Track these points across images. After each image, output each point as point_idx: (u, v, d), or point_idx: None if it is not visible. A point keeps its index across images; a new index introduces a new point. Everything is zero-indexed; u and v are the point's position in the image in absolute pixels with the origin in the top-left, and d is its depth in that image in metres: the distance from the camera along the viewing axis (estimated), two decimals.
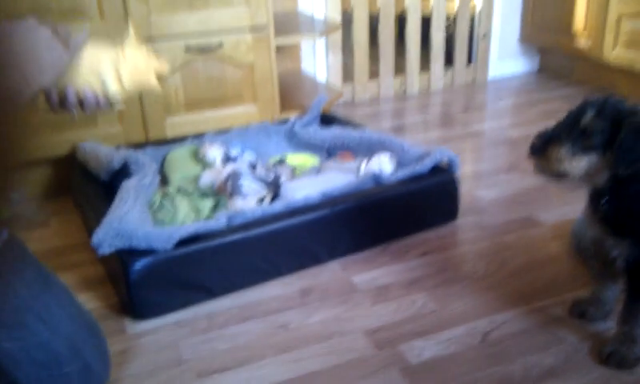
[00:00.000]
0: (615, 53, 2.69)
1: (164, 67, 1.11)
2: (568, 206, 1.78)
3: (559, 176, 1.05)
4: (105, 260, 1.51)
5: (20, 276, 1.05)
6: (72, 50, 1.00)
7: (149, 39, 2.03)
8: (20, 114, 0.89)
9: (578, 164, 1.03)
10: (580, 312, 1.29)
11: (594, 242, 1.16)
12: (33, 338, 1.03)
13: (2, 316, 1.02)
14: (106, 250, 1.34)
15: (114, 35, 1.97)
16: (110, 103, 1.07)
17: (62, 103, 1.03)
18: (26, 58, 0.93)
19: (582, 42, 2.86)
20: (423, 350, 1.23)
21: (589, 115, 1.03)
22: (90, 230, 1.48)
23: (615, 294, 1.24)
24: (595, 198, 1.10)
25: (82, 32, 1.03)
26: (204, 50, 2.11)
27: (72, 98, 1.02)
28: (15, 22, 0.96)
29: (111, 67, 1.04)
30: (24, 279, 1.05)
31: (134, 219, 1.41)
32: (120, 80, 1.05)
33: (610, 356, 1.14)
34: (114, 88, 1.05)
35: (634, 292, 1.11)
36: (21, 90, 0.91)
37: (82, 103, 1.04)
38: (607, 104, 1.04)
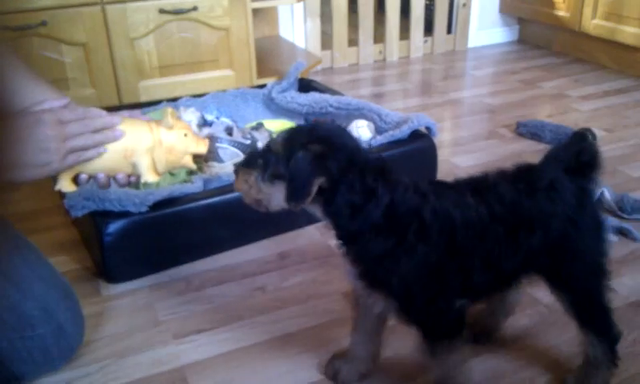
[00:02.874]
0: (594, 23, 2.70)
1: (203, 148, 1.08)
2: None
3: (258, 203, 0.89)
4: (78, 223, 1.48)
5: None
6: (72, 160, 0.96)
7: (121, 1, 1.98)
8: None
9: (267, 193, 0.87)
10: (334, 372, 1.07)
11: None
12: (3, 301, 1.01)
13: None
14: (78, 212, 1.32)
15: None
16: (140, 183, 1.06)
17: (89, 180, 1.01)
18: (11, 150, 0.89)
19: (561, 12, 2.86)
20: None
21: (279, 139, 0.87)
22: (62, 193, 1.45)
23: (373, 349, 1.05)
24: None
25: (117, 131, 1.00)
26: (178, 12, 2.06)
27: (101, 183, 1.01)
28: (29, 111, 0.94)
29: (145, 154, 1.01)
30: None
31: None
32: (154, 167, 1.02)
33: None
34: (147, 176, 1.02)
35: (427, 336, 0.92)
36: None
37: (112, 180, 1.03)
38: (300, 129, 0.90)
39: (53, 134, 0.91)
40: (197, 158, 1.54)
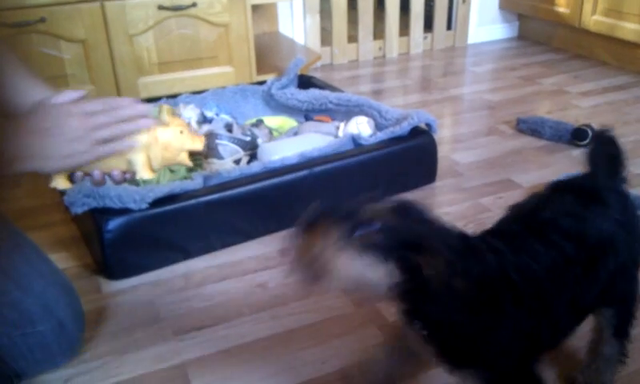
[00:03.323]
0: (594, 19, 2.69)
1: (199, 145, 1.07)
2: (546, 169, 1.79)
3: (315, 275, 0.66)
4: (78, 220, 1.48)
5: None
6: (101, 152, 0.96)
7: None
8: None
9: (348, 266, 0.66)
10: None
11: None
12: (3, 298, 1.01)
13: None
14: (78, 209, 1.31)
15: None
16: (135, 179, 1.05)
17: (84, 177, 1.01)
18: (42, 141, 0.90)
19: (561, 8, 2.85)
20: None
21: (380, 204, 0.69)
22: (61, 190, 1.44)
23: None
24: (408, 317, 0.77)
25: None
26: (177, 9, 2.05)
27: (96, 180, 1.00)
28: (60, 99, 0.94)
29: (141, 151, 1.00)
30: None
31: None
32: (149, 164, 1.02)
33: None
34: (142, 173, 1.02)
35: None
36: (10, 164, 0.88)
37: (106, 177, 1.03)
38: (408, 205, 0.71)
39: (80, 125, 0.91)
40: (194, 154, 1.55)
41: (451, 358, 0.77)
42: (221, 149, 1.61)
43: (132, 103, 0.98)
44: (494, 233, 0.83)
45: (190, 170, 1.61)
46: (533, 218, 0.84)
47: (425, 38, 3.11)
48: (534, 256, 0.77)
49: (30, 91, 0.99)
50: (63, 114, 0.91)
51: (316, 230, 0.64)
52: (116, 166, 1.01)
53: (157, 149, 1.02)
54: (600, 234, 0.84)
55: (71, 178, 1.02)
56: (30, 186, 1.76)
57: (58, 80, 1.96)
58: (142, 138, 1.01)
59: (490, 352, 0.76)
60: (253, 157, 1.66)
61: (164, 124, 1.03)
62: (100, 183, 1.03)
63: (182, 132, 1.05)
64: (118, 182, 1.05)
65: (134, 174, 1.03)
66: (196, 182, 1.43)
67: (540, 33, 3.17)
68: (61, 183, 1.00)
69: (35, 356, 1.04)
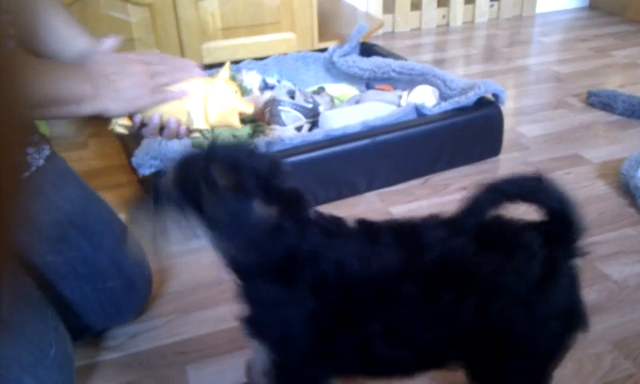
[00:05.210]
0: None
1: (250, 109, 1.09)
2: (616, 145, 1.72)
3: None
4: (144, 182, 1.51)
5: (62, 192, 1.06)
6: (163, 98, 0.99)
7: None
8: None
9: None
10: None
11: None
12: (76, 253, 1.04)
13: (45, 230, 1.03)
14: (145, 170, 1.34)
15: None
16: (189, 133, 1.06)
17: (142, 126, 1.03)
18: (109, 81, 0.94)
19: None
20: None
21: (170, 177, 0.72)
22: (128, 152, 1.48)
23: None
24: None
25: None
26: None
27: (154, 125, 1.01)
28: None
29: (200, 101, 1.02)
30: (66, 195, 1.06)
31: (172, 142, 1.40)
32: (206, 115, 1.03)
33: None
34: (198, 122, 1.03)
35: None
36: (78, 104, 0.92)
37: (162, 129, 1.03)
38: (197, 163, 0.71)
39: (141, 70, 0.96)
40: (256, 121, 1.55)
41: (248, 320, 0.76)
42: (283, 115, 1.62)
43: (183, 59, 1.04)
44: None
45: (251, 135, 1.62)
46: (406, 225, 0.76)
47: (491, 5, 3.01)
48: (364, 255, 0.72)
49: (73, 41, 1.01)
50: (125, 60, 0.96)
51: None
52: (175, 114, 1.03)
53: (214, 101, 1.04)
54: (476, 272, 0.70)
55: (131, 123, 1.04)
56: (97, 148, 1.81)
57: (125, 43, 1.98)
58: (202, 89, 1.03)
59: (274, 327, 0.75)
60: (314, 124, 1.66)
61: (224, 78, 1.06)
62: (174, 132, 1.05)
63: (236, 92, 1.07)
64: (171, 133, 1.06)
65: (187, 128, 1.05)
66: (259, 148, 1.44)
67: (612, 3, 3.01)
68: (120, 128, 1.03)
69: (105, 311, 1.08)
